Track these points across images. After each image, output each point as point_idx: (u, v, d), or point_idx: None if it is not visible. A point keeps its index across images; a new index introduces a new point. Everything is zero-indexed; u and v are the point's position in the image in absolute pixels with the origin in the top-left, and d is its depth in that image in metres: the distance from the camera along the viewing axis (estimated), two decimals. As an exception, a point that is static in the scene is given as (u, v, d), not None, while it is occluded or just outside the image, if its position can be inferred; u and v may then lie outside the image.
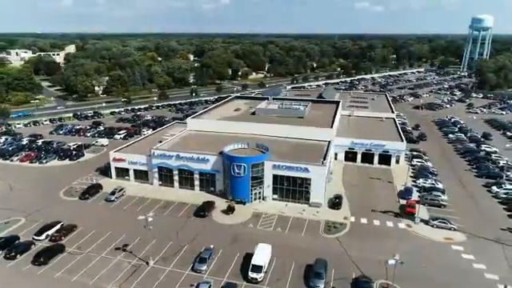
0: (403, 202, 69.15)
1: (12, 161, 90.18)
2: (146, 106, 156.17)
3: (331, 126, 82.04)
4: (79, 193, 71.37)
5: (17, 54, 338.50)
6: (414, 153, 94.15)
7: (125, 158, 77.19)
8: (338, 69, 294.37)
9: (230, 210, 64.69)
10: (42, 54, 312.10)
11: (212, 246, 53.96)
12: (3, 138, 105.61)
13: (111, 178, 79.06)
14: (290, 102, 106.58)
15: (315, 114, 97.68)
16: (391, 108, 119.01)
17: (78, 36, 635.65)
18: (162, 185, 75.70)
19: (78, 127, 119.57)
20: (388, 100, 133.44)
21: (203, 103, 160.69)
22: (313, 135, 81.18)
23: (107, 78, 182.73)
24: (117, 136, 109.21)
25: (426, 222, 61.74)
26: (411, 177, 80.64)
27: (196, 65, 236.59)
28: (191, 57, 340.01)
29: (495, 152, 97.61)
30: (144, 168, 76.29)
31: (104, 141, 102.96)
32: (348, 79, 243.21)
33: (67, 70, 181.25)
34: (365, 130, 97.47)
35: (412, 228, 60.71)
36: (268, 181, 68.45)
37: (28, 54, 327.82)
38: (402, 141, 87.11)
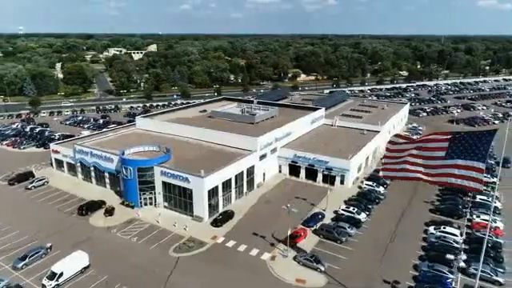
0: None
1: (2, 144, 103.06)
2: (166, 103, 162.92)
3: (260, 136, 74.42)
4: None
5: (110, 52, 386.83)
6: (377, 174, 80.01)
7: (59, 151, 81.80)
8: (405, 73, 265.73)
9: (107, 212, 63.69)
10: (118, 52, 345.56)
11: (49, 245, 53.86)
12: (15, 125, 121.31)
13: (53, 168, 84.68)
14: (258, 106, 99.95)
15: (273, 122, 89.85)
16: (388, 120, 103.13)
17: (181, 36, 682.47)
18: (84, 179, 78.29)
19: (83, 119, 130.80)
20: (399, 111, 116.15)
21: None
22: (237, 143, 74.95)
23: (146, 75, 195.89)
24: (105, 129, 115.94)
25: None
26: (345, 201, 68.84)
27: (241, 64, 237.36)
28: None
29: (493, 183, 77.15)
30: (72, 162, 79.77)
31: (86, 133, 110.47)
32: (404, 85, 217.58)
33: (113, 67, 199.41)
34: (330, 142, 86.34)
35: (273, 261, 51.78)
36: (159, 187, 65.52)
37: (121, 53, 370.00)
38: (349, 159, 74.49)
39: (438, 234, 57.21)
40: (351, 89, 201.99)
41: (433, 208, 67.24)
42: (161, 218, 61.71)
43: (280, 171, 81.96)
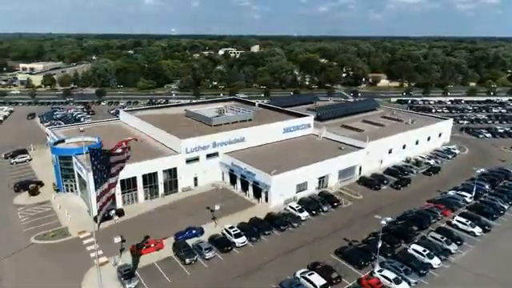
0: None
1: (43, 125, 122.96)
2: (210, 99, 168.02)
3: (187, 138, 71.14)
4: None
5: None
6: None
7: (48, 134, 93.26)
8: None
9: (30, 192, 70.06)
10: (224, 52, 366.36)
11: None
12: (69, 110, 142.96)
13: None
14: (239, 108, 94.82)
15: (241, 125, 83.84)
16: (388, 137, 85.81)
17: (303, 38, 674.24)
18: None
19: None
20: (424, 127, 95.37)
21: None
22: (169, 144, 73.52)
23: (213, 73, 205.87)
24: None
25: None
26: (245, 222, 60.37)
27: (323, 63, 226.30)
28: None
29: (471, 233, 57.13)
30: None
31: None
32: (504, 98, 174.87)
33: (184, 66, 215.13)
34: (294, 154, 76.47)
35: (99, 268, 48.99)
36: (76, 176, 69.15)
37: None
38: (272, 174, 64.56)
39: (302, 280, 45.67)
40: (425, 99, 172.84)
41: (337, 249, 53.56)
42: (61, 204, 65.20)
43: (223, 179, 76.82)
